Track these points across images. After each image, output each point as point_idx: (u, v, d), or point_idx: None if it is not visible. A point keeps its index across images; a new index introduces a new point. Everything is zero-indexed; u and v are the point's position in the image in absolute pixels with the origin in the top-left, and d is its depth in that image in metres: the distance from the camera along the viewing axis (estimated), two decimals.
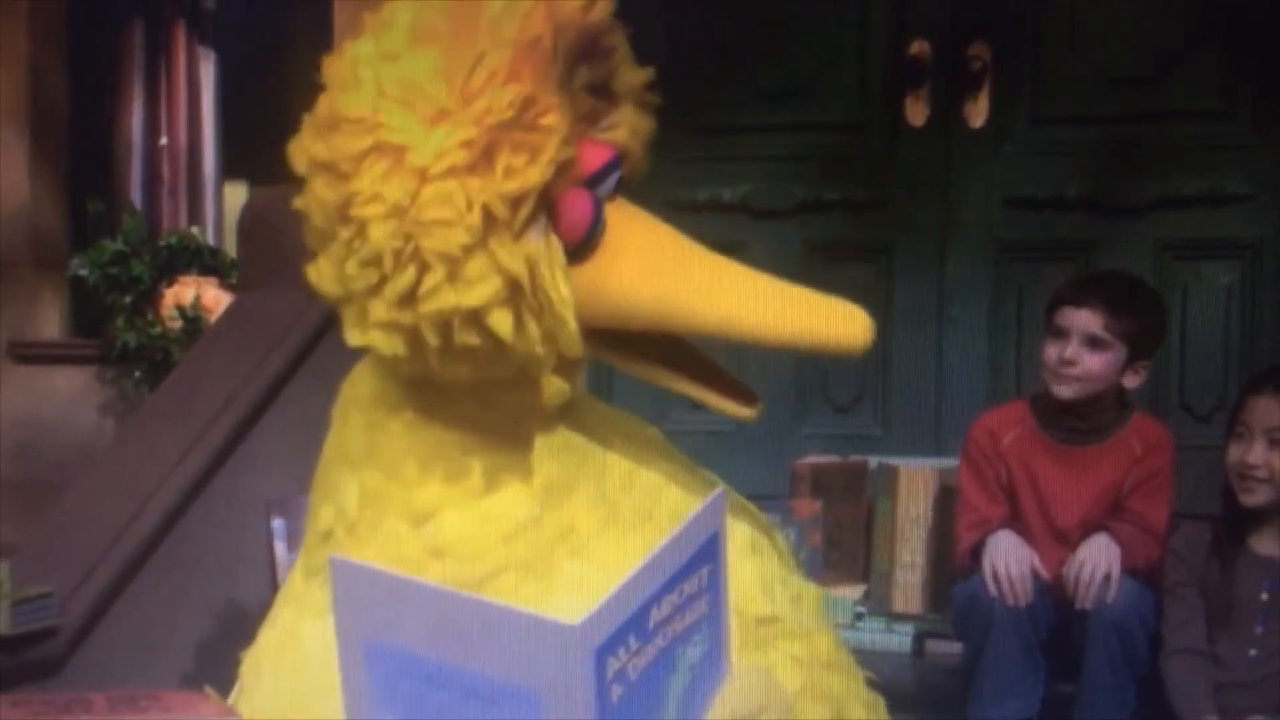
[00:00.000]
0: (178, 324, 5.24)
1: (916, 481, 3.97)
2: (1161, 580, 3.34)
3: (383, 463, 2.45)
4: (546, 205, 2.25)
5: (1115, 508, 3.48)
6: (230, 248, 5.41)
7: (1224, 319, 4.37)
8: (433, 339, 2.24)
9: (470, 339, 2.24)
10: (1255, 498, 3.21)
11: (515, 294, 2.22)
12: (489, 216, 2.17)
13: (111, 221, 5.65)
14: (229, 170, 6.06)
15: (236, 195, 5.83)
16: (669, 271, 2.33)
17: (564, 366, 2.39)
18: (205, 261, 5.52)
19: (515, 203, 2.19)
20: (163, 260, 5.48)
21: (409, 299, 2.21)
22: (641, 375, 2.46)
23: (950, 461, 3.80)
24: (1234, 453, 3.22)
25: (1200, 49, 4.39)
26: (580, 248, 2.31)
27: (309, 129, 2.32)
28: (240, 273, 4.31)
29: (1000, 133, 4.51)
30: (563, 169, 2.27)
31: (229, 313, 4.17)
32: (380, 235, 2.18)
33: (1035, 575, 3.33)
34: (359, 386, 2.54)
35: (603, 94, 2.40)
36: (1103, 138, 4.44)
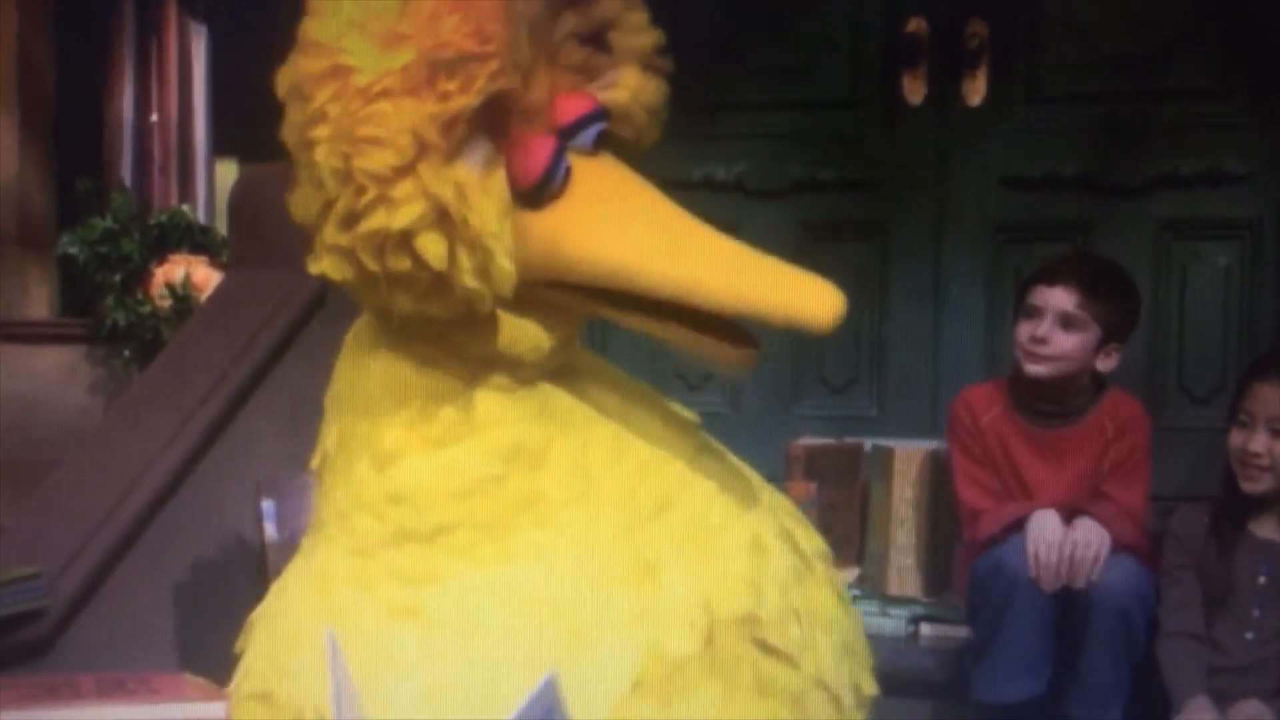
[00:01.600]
0: (168, 303, 5.22)
1: (912, 463, 3.96)
2: (1153, 563, 3.33)
3: (358, 403, 2.48)
4: (501, 142, 2.28)
5: (1093, 489, 3.49)
6: (221, 226, 5.38)
7: (1223, 300, 4.35)
8: (368, 263, 2.26)
9: (402, 263, 2.25)
10: (1257, 485, 3.20)
11: (445, 221, 2.24)
12: (420, 140, 2.19)
13: (101, 199, 5.62)
14: (220, 147, 6.03)
15: (228, 173, 5.80)
16: (633, 231, 2.34)
17: (546, 319, 2.39)
18: (196, 240, 5.50)
19: (446, 127, 2.21)
20: (153, 238, 5.45)
21: (349, 221, 2.24)
22: (635, 327, 2.44)
23: (945, 444, 3.78)
24: (1236, 440, 3.21)
25: (1198, 28, 4.38)
26: (536, 193, 2.33)
27: (292, 55, 2.34)
28: (230, 251, 4.29)
29: (997, 112, 4.50)
30: (528, 111, 2.32)
31: (219, 291, 4.15)
32: (323, 155, 2.22)
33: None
34: (352, 330, 2.57)
35: (600, 48, 2.41)
36: (1100, 117, 4.42)
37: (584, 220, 2.34)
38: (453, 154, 2.23)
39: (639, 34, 2.47)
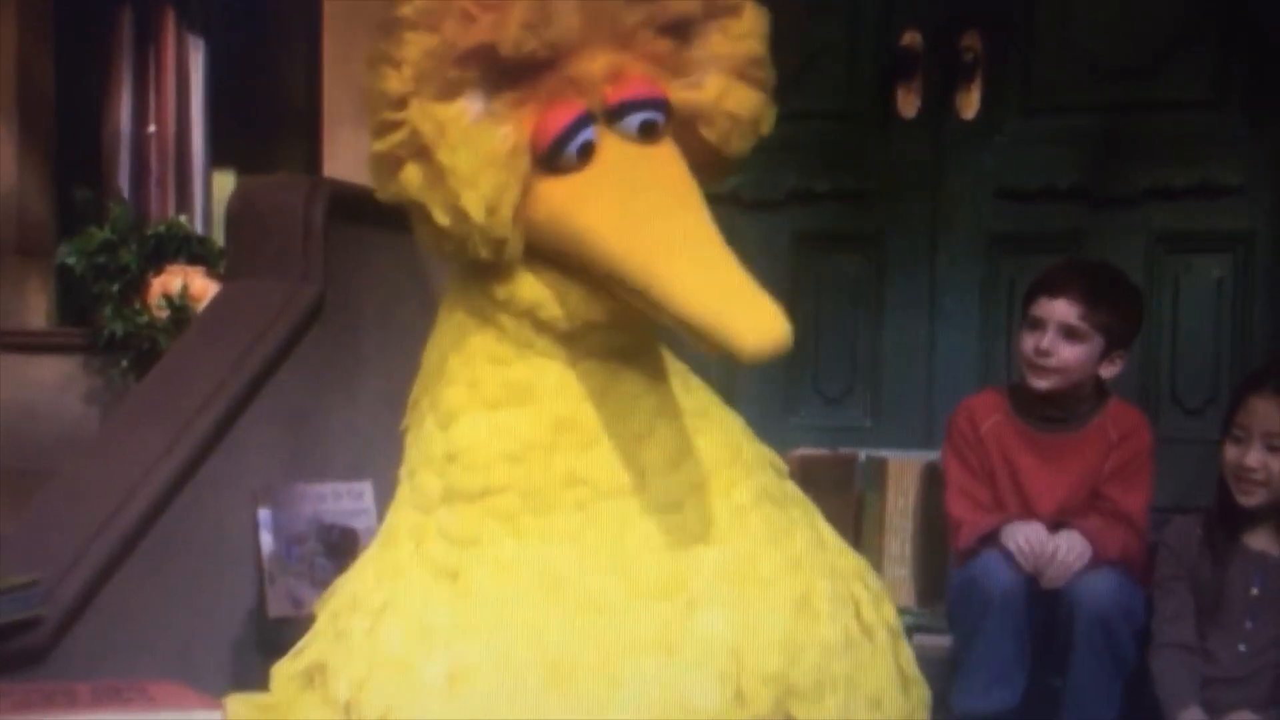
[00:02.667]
0: (165, 313, 5.24)
1: (906, 474, 3.97)
2: (1147, 572, 3.34)
3: (433, 363, 2.59)
4: (532, 104, 2.37)
5: (1093, 495, 3.48)
6: (218, 236, 5.40)
7: (1215, 312, 4.35)
8: (376, 181, 2.44)
9: (390, 187, 2.40)
10: (1252, 499, 3.20)
11: (422, 154, 2.34)
12: (419, 71, 2.32)
13: (99, 210, 5.65)
14: (217, 158, 6.05)
15: (225, 183, 5.82)
16: (629, 222, 2.36)
17: (588, 292, 2.42)
18: (193, 250, 5.52)
19: (439, 62, 2.31)
20: (150, 249, 5.47)
21: (372, 135, 2.43)
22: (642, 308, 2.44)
23: (939, 454, 3.79)
24: (1231, 454, 3.21)
25: (1192, 40, 4.37)
26: (550, 158, 2.39)
27: None
28: (227, 261, 4.30)
29: (992, 124, 4.50)
30: (578, 81, 2.38)
31: (216, 301, 4.15)
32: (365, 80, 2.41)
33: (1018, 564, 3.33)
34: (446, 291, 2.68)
35: (685, 46, 2.45)
36: (1094, 129, 4.42)
37: (591, 199, 2.39)
38: (447, 93, 2.33)
39: (734, 40, 2.50)
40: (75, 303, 5.55)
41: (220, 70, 6.08)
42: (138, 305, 5.33)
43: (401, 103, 2.34)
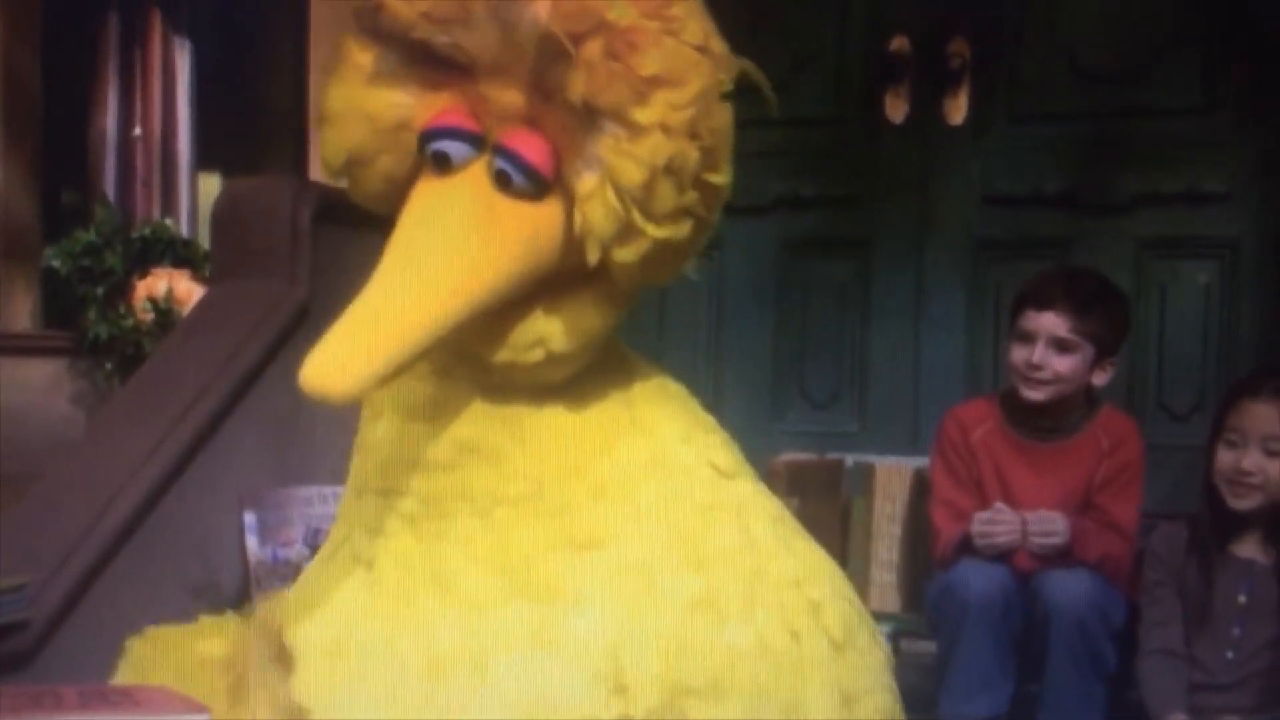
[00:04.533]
0: (150, 316, 5.23)
1: (893, 479, 3.97)
2: (1133, 579, 3.34)
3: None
4: (446, 92, 2.40)
5: (1085, 504, 3.48)
6: (204, 239, 5.38)
7: (1202, 318, 4.36)
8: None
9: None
10: (1245, 503, 3.20)
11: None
12: (341, 50, 2.45)
13: (85, 212, 5.63)
14: (203, 161, 6.04)
15: (211, 186, 5.81)
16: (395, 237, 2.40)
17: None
18: (178, 253, 5.51)
19: (359, 41, 2.41)
20: (135, 252, 5.46)
21: None
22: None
23: (927, 460, 3.78)
24: (1226, 459, 3.20)
25: (1180, 47, 4.39)
26: (419, 151, 2.42)
27: None
28: (213, 264, 4.29)
29: (979, 130, 4.51)
30: (478, 95, 2.38)
31: (202, 305, 4.14)
32: None
33: (1008, 562, 3.35)
34: None
35: (589, 133, 2.34)
36: (1082, 135, 4.44)
37: (407, 207, 2.43)
38: (362, 40, 2.41)
39: (633, 157, 2.30)
40: (60, 306, 5.53)
41: (206, 73, 6.07)
42: (123, 308, 5.31)
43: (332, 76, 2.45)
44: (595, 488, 2.47)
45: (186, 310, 4.86)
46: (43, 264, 5.52)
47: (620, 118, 2.27)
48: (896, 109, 4.53)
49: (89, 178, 5.94)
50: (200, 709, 2.44)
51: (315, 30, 4.79)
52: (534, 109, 2.35)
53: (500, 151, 2.35)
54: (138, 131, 6.02)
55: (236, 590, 3.53)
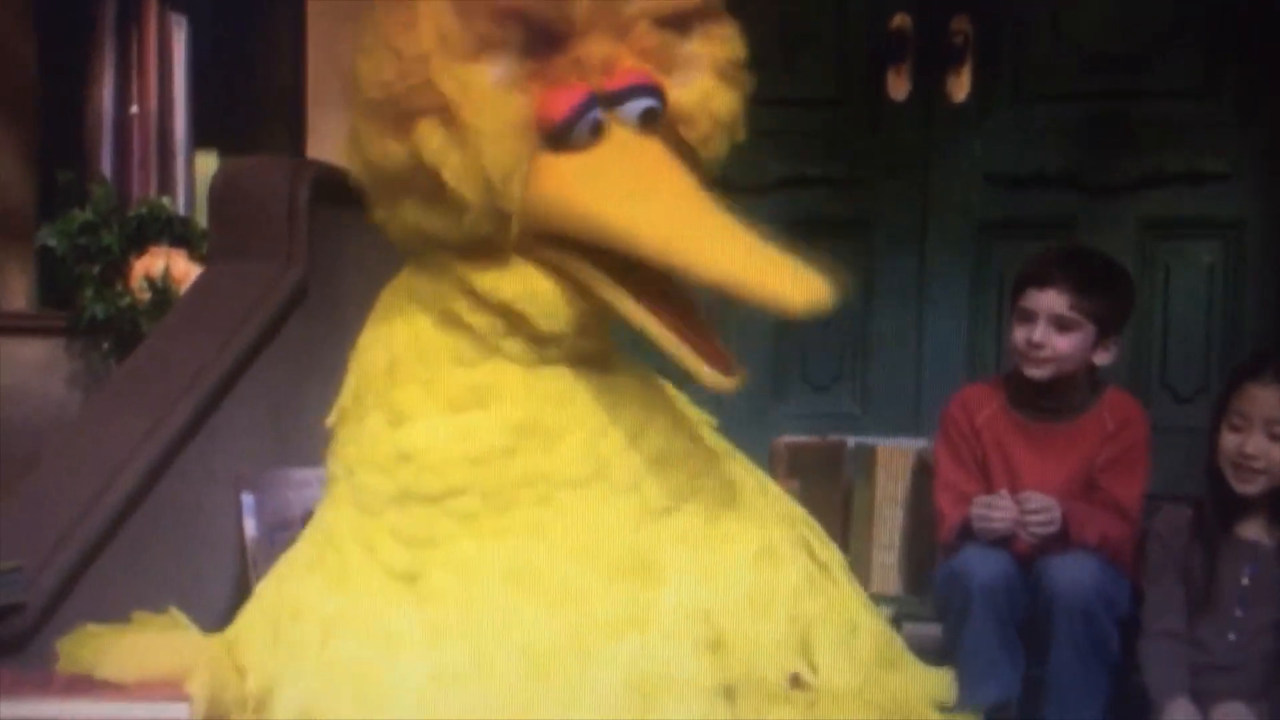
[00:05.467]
0: (147, 295, 5.20)
1: (895, 462, 3.96)
2: (1135, 562, 3.33)
3: (379, 358, 2.57)
4: (539, 79, 2.40)
5: (1089, 486, 3.47)
6: (201, 218, 5.36)
7: (1206, 299, 4.36)
8: (371, 146, 2.45)
9: (401, 148, 2.40)
10: (1250, 487, 3.18)
11: (445, 115, 2.30)
12: (439, 31, 2.33)
13: (81, 191, 5.60)
14: (200, 139, 6.01)
15: (207, 165, 5.78)
16: (641, 197, 2.43)
17: (565, 291, 2.45)
18: (175, 232, 5.48)
19: (462, 21, 2.33)
20: (132, 231, 5.43)
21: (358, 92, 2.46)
22: (625, 314, 2.46)
23: (929, 442, 3.78)
24: (1230, 442, 3.19)
25: (1183, 28, 4.38)
26: (558, 137, 2.42)
27: None
28: (210, 244, 4.27)
29: (982, 109, 4.50)
30: (581, 63, 2.43)
31: (199, 285, 4.13)
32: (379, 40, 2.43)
33: (1010, 548, 3.34)
34: (386, 288, 2.69)
35: (680, 42, 2.45)
36: (1085, 115, 4.43)
37: (598, 177, 2.41)
38: (469, 55, 2.31)
39: (721, 43, 2.52)
40: (56, 285, 5.51)
41: (203, 51, 6.04)
42: (119, 288, 5.29)
43: (419, 61, 2.32)
44: (653, 458, 2.49)
45: (184, 289, 4.84)
46: (38, 243, 5.49)
47: (709, 8, 2.54)
48: (898, 87, 4.51)
49: (85, 156, 5.91)
50: (181, 696, 2.44)
51: (313, 9, 4.77)
52: (614, 53, 2.40)
53: (636, 91, 2.40)
54: (134, 110, 5.99)
55: (234, 573, 3.51)
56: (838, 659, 2.58)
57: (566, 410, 2.47)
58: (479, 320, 2.47)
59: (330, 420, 2.60)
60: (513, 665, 2.30)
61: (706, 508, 2.53)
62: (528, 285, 2.45)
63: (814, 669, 2.52)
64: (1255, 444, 3.16)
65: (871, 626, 2.64)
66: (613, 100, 2.40)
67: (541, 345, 2.47)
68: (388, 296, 2.61)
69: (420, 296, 2.53)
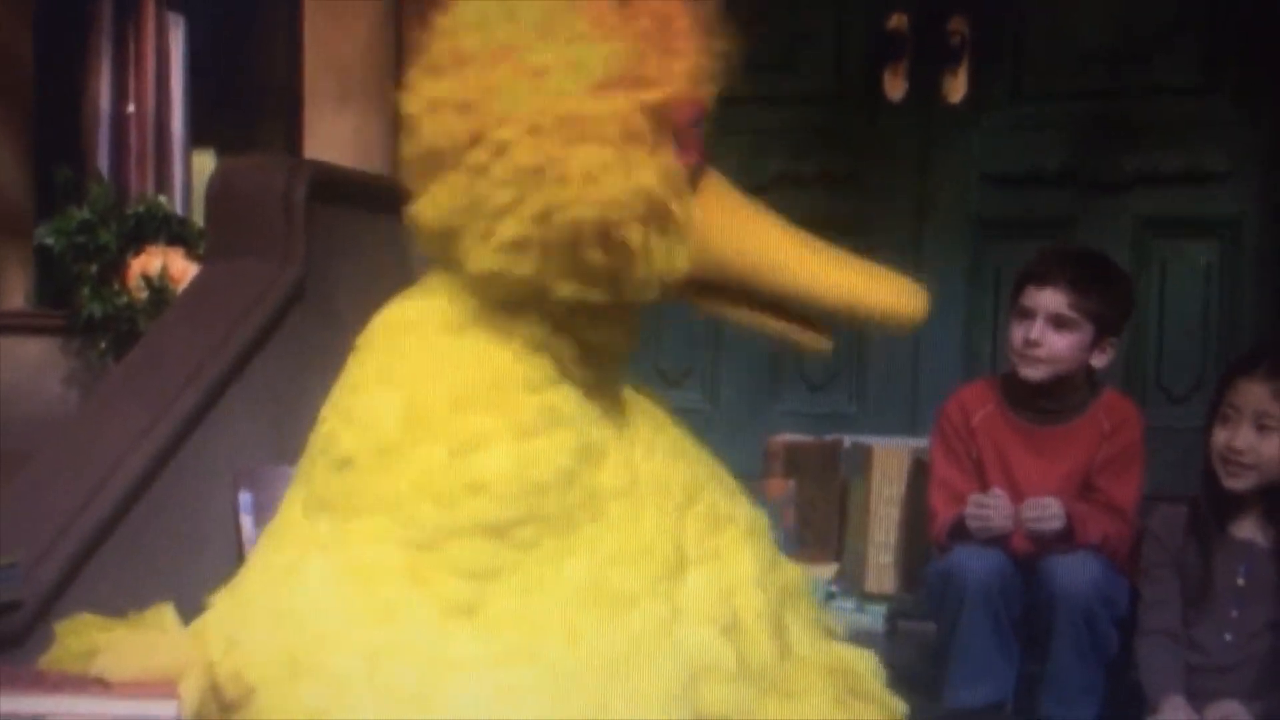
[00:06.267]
0: (144, 294, 5.21)
1: (891, 461, 3.96)
2: (1134, 562, 3.33)
3: (438, 384, 2.45)
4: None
5: (1085, 487, 3.47)
6: (198, 217, 5.37)
7: (1203, 298, 4.36)
8: (562, 255, 2.33)
9: (595, 254, 2.33)
10: (1239, 482, 3.18)
11: (647, 208, 2.28)
12: (628, 130, 2.29)
13: (78, 190, 5.60)
14: (197, 138, 6.02)
15: (205, 163, 5.79)
16: (766, 234, 2.46)
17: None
18: (173, 231, 5.49)
19: (654, 115, 2.32)
20: (130, 229, 5.44)
21: (545, 215, 2.31)
22: (737, 319, 2.63)
23: (925, 441, 3.78)
24: (1220, 436, 3.19)
25: (1180, 26, 4.37)
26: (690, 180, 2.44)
27: (423, 73, 2.43)
28: (208, 242, 4.27)
29: (979, 108, 4.49)
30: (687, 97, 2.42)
31: (196, 283, 4.13)
32: (519, 154, 2.29)
33: (1005, 546, 3.33)
34: (407, 311, 2.58)
35: None
36: (1082, 114, 4.43)
37: (726, 220, 2.45)
38: (656, 145, 2.28)
39: None
40: (54, 283, 5.51)
41: (201, 49, 6.05)
42: (117, 286, 5.30)
43: (605, 169, 2.30)
44: (669, 458, 2.52)
45: (181, 288, 4.85)
46: (36, 242, 5.50)
47: None
48: (895, 87, 4.51)
49: (82, 155, 5.93)
50: (171, 695, 2.43)
51: (309, 7, 4.76)
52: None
53: (695, 121, 2.48)
54: (131, 108, 6.00)
55: (231, 569, 3.51)
56: (803, 631, 2.62)
57: (609, 426, 2.49)
58: (562, 346, 2.46)
59: (344, 453, 2.49)
60: (579, 676, 2.28)
61: (708, 496, 2.55)
62: (634, 322, 2.52)
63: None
64: (1244, 437, 3.16)
65: (809, 597, 2.70)
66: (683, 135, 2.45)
67: (604, 369, 2.49)
68: (423, 322, 2.54)
69: (488, 322, 2.48)
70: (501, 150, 2.30)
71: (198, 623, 2.59)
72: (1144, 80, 4.37)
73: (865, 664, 2.69)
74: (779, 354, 4.63)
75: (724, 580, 2.48)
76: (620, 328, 2.52)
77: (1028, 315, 3.43)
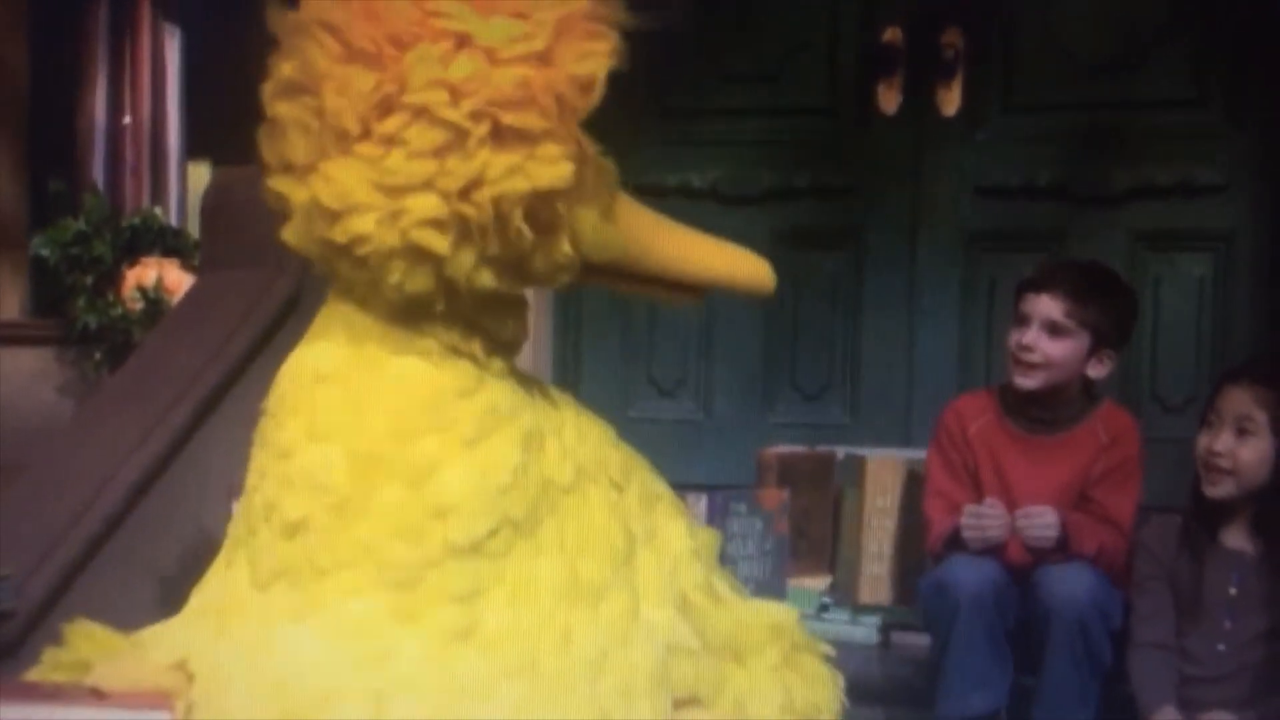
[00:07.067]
0: (139, 305, 5.22)
1: (884, 472, 3.96)
2: (1128, 574, 3.33)
3: (373, 424, 2.35)
4: None
5: (1081, 498, 3.46)
6: (193, 228, 5.37)
7: (1196, 310, 4.37)
8: (486, 230, 2.24)
9: (523, 231, 2.24)
10: (1218, 489, 3.19)
11: (580, 182, 2.29)
12: (561, 101, 2.23)
13: (73, 201, 5.62)
14: (192, 149, 6.03)
15: (200, 175, 5.79)
16: (631, 217, 2.47)
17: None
18: (168, 242, 5.50)
19: (585, 88, 2.26)
20: (125, 240, 5.45)
21: (475, 185, 2.21)
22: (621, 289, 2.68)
23: (919, 453, 3.78)
24: (1202, 441, 3.20)
25: (1173, 38, 4.38)
26: None
27: (315, 36, 2.37)
28: (202, 253, 4.28)
29: (972, 121, 4.49)
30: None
31: (191, 293, 4.13)
32: (453, 117, 2.18)
33: (1000, 556, 3.33)
34: (315, 362, 2.48)
35: None
36: (1075, 127, 4.43)
37: (642, 215, 2.50)
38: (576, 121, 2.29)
39: None
40: (49, 294, 5.52)
41: (196, 60, 6.06)
42: (112, 297, 5.31)
43: (543, 137, 2.24)
44: (599, 445, 2.53)
45: (176, 299, 4.85)
46: (31, 253, 5.50)
47: None
48: (889, 100, 4.51)
49: (77, 166, 5.93)
50: (162, 705, 2.42)
51: None
52: None
53: None
54: (127, 120, 6.01)
55: None
56: (729, 593, 2.63)
57: (536, 411, 2.46)
58: (477, 347, 2.42)
59: (295, 518, 2.34)
60: (577, 677, 2.27)
61: (638, 474, 2.59)
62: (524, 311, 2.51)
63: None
64: (1223, 441, 3.16)
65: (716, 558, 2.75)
66: None
67: (508, 356, 2.46)
68: (327, 367, 2.43)
69: (396, 342, 2.41)
70: (423, 113, 2.19)
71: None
72: (1137, 93, 4.38)
73: (790, 616, 2.68)
74: (773, 365, 4.64)
75: (666, 557, 2.49)
76: (520, 319, 2.47)
77: (1024, 320, 3.44)
